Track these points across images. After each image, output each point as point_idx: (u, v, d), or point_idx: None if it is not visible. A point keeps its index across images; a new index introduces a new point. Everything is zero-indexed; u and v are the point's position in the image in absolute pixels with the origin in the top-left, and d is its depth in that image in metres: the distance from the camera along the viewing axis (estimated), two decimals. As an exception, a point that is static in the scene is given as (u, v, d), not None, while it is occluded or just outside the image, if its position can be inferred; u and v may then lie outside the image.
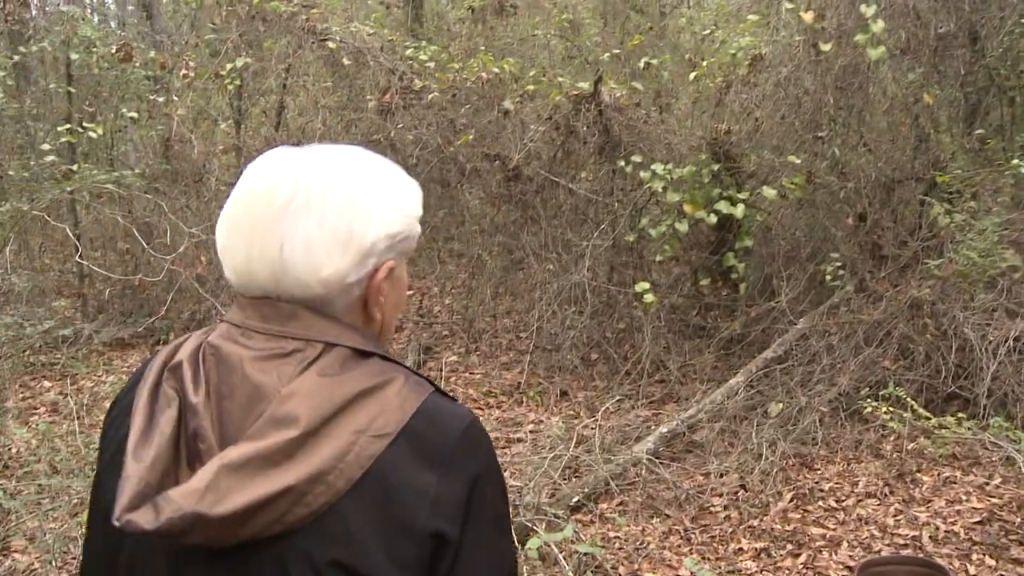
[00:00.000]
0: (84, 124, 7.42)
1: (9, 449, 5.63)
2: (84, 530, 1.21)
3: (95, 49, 7.90)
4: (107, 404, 6.09)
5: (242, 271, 1.09)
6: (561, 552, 3.98)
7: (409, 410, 1.04)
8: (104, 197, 7.85)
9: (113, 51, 7.25)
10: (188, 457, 1.02)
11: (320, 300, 1.10)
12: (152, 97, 7.46)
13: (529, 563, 3.98)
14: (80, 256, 7.34)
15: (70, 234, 6.41)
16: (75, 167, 7.43)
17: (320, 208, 1.07)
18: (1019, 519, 4.35)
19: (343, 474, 0.98)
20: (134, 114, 7.40)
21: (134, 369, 7.19)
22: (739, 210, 5.55)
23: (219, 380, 1.05)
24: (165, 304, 8.24)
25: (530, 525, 4.16)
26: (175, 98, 7.19)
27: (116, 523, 0.97)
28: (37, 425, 5.76)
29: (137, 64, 7.28)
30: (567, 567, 3.91)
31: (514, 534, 1.16)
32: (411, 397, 1.05)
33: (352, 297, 1.11)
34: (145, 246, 7.20)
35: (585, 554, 3.98)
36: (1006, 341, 5.23)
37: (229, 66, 6.80)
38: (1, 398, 6.17)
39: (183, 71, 7.05)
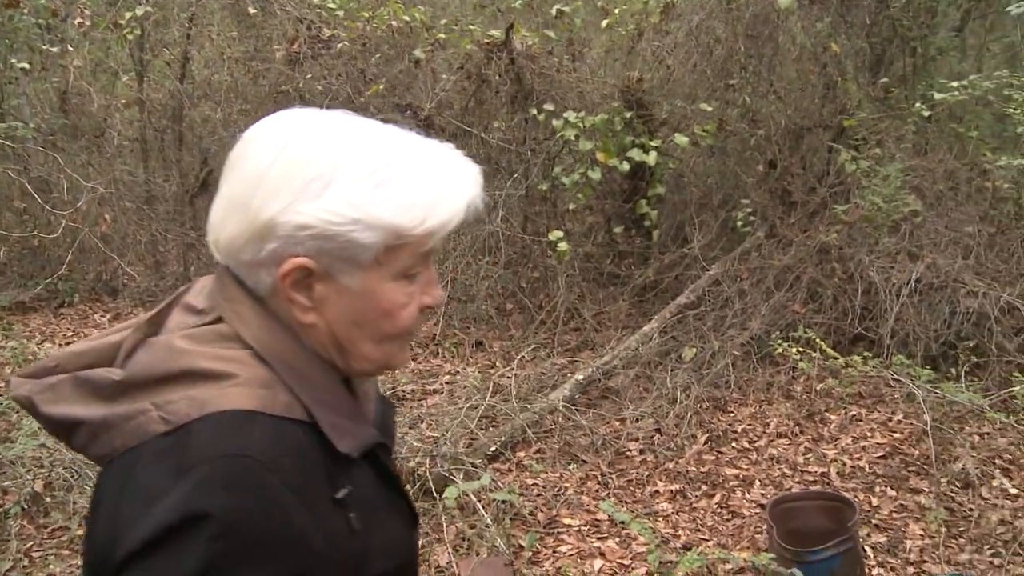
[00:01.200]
0: (-28, 75, 7.07)
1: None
2: None
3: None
4: (8, 371, 5.87)
5: (213, 238, 1.05)
6: (479, 501, 3.98)
7: (204, 411, 0.94)
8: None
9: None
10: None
11: (235, 269, 1.02)
12: (45, 47, 7.10)
13: (447, 512, 3.99)
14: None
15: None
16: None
17: (240, 170, 0.99)
18: (917, 452, 4.53)
19: (121, 435, 0.95)
20: (25, 65, 7.04)
21: (36, 333, 6.99)
22: (651, 157, 5.57)
23: (166, 316, 1.06)
24: (71, 265, 7.98)
25: (448, 475, 4.15)
26: (70, 48, 6.86)
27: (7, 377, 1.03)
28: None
29: (25, 11, 6.90)
30: (485, 516, 3.92)
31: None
32: (222, 401, 0.94)
33: (263, 282, 1.01)
34: (44, 205, 6.92)
35: (503, 502, 3.99)
36: (908, 283, 5.39)
37: (128, 15, 6.50)
38: None
39: (78, 19, 6.72)
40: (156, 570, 0.87)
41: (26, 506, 4.32)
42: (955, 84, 5.55)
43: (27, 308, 7.52)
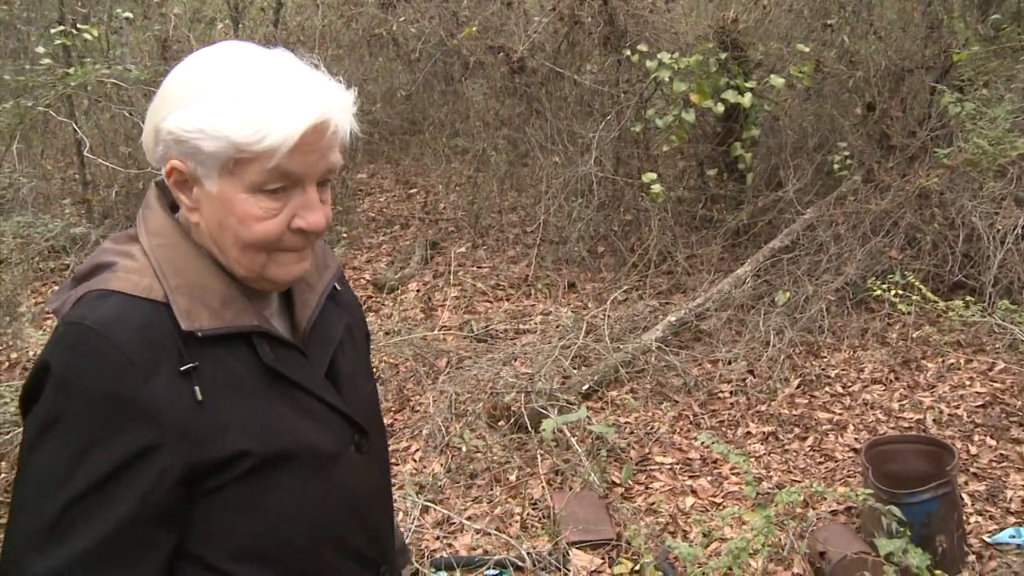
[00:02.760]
0: (78, 26, 7.27)
1: (27, 352, 5.69)
2: None
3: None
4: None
5: None
6: (573, 436, 4.06)
7: (84, 290, 1.13)
8: (103, 100, 7.77)
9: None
10: None
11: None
12: (147, -4, 7.29)
13: (544, 446, 4.07)
14: (85, 157, 7.26)
15: (78, 131, 6.30)
16: (71, 70, 7.31)
17: (162, 87, 1.15)
18: (1020, 402, 4.43)
19: (58, 319, 1.15)
20: (129, 14, 7.23)
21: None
22: (747, 99, 5.47)
23: None
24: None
25: (542, 411, 4.23)
26: (171, -6, 7.04)
27: None
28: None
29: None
30: (579, 450, 4.00)
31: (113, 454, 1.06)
32: (96, 284, 1.13)
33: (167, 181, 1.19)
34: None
35: (598, 437, 4.06)
36: (1014, 229, 5.22)
37: (226, -41, 6.63)
38: (15, 303, 6.20)
39: (178, -33, 6.87)
40: (26, 418, 1.10)
41: None
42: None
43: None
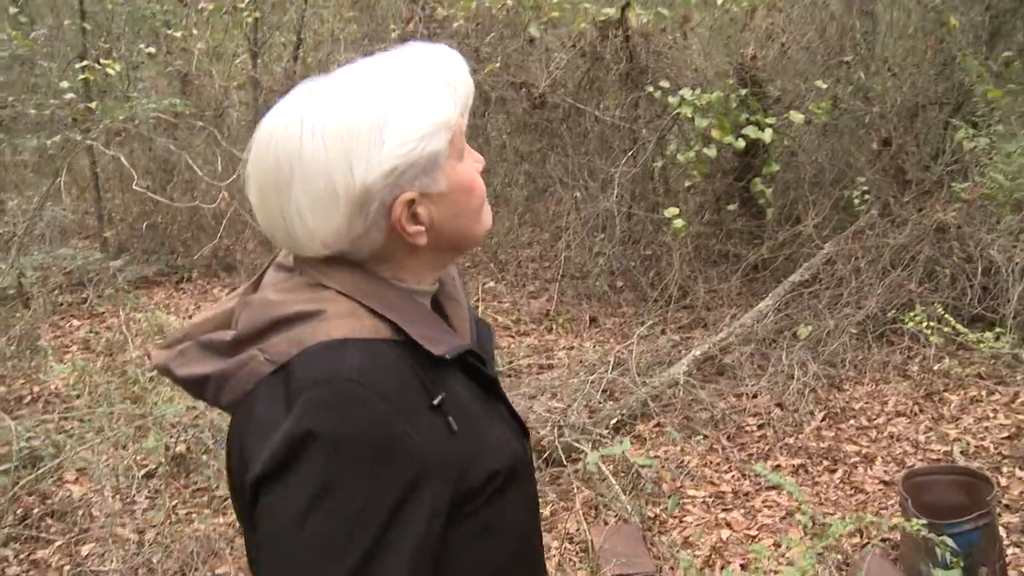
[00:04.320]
0: (100, 60, 7.37)
1: (48, 385, 5.73)
2: None
3: (107, -17, 7.82)
4: (139, 340, 6.18)
5: (268, 234, 1.15)
6: (609, 469, 4.09)
7: (302, 346, 1.05)
8: (123, 135, 7.85)
9: (129, -16, 7.17)
10: None
11: (340, 254, 1.12)
12: (169, 32, 7.39)
13: (580, 478, 4.11)
14: (118, 190, 7.32)
15: (125, 163, 6.35)
16: (93, 105, 7.41)
17: (299, 169, 1.05)
18: (1046, 434, 4.48)
19: (240, 382, 1.08)
20: (151, 49, 7.34)
21: (160, 306, 7.31)
22: (767, 135, 5.56)
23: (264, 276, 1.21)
24: (186, 242, 8.32)
25: (576, 443, 4.26)
26: (194, 32, 7.14)
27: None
28: (75, 362, 5.84)
29: (153, -2, 7.22)
30: (615, 484, 4.03)
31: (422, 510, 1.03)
32: (315, 335, 1.06)
33: (375, 242, 1.11)
34: (196, 173, 7.20)
35: (635, 470, 4.09)
36: (1032, 262, 5.29)
37: (247, -1, 6.75)
38: (35, 336, 6.26)
39: (200, 4, 6.98)
40: (282, 490, 1.00)
41: (170, 466, 4.59)
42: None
43: (151, 283, 7.87)
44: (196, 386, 1.13)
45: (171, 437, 4.66)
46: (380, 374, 1.05)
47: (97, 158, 8.00)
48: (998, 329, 4.70)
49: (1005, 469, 4.25)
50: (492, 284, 6.95)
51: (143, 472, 4.52)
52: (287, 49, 7.76)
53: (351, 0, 7.11)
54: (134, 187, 6.07)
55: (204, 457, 4.59)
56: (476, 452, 1.12)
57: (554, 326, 6.21)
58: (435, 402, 1.08)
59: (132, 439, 4.65)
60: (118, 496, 4.41)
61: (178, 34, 7.33)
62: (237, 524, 4.11)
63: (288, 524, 0.99)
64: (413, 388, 1.07)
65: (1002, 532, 3.70)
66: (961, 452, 4.42)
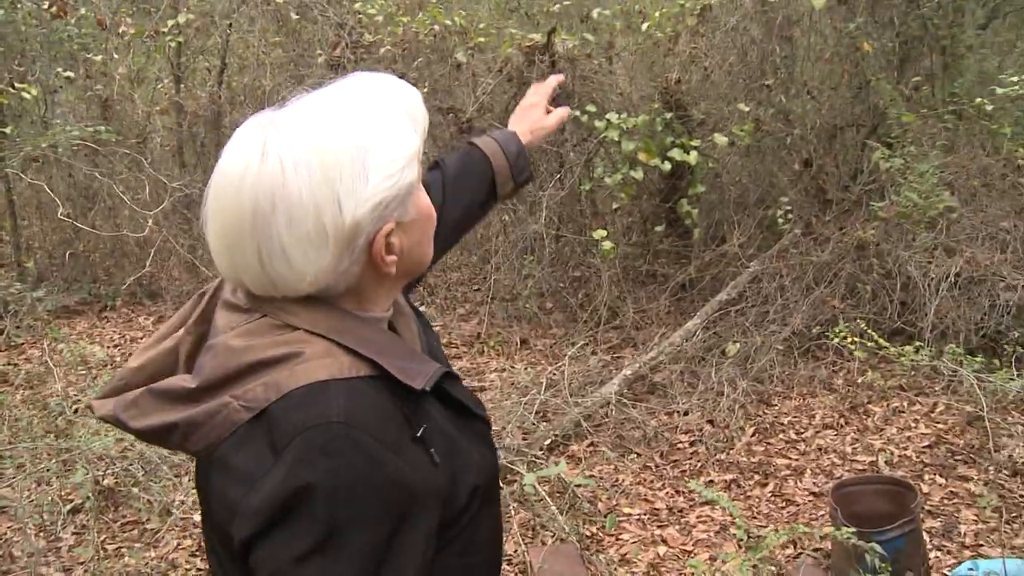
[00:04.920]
0: (15, 84, 7.18)
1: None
2: None
3: (20, 5, 7.62)
4: (62, 372, 5.99)
5: (233, 279, 1.11)
6: (544, 490, 4.10)
7: (281, 391, 1.02)
8: (40, 161, 7.65)
9: (45, 6, 7.00)
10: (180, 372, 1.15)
11: (320, 291, 1.10)
12: (89, 56, 7.25)
13: (515, 500, 4.10)
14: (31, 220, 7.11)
15: (48, 191, 6.18)
16: (8, 130, 7.22)
17: (283, 208, 1.03)
18: (963, 441, 4.63)
19: (212, 431, 1.05)
20: (70, 74, 7.18)
21: (83, 336, 7.12)
22: (692, 157, 5.67)
23: (210, 314, 1.17)
24: (109, 270, 8.14)
25: (511, 466, 4.27)
26: (115, 56, 7.01)
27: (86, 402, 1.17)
28: (-9, 396, 5.65)
29: (72, 21, 7.05)
30: (551, 505, 4.04)
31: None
32: (295, 379, 1.03)
33: (353, 276, 1.10)
34: (126, 203, 7.05)
35: (571, 490, 4.10)
36: (947, 277, 5.48)
37: (171, 23, 6.65)
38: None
39: (121, 28, 6.86)
40: (279, 545, 0.99)
41: (98, 500, 4.46)
42: (1015, 79, 5.63)
43: (72, 312, 7.66)
44: (156, 436, 1.09)
45: (99, 470, 4.53)
46: (366, 413, 1.04)
47: (13, 184, 7.79)
48: (917, 342, 4.86)
49: (927, 476, 4.39)
50: (422, 308, 6.93)
51: (69, 508, 4.38)
52: (211, 73, 7.67)
53: (277, 25, 7.07)
54: (59, 216, 5.89)
55: (134, 490, 4.47)
56: (458, 474, 1.12)
57: (485, 349, 6.22)
58: (418, 434, 1.08)
59: (57, 474, 4.51)
60: (42, 534, 4.27)
61: (98, 58, 7.18)
62: (170, 557, 4.02)
63: (292, 572, 0.99)
64: (397, 422, 1.07)
65: (926, 537, 3.82)
66: (886, 462, 4.55)
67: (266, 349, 1.06)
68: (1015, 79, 5.53)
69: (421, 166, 1.15)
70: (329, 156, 1.03)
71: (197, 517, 4.19)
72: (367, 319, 1.14)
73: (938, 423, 4.88)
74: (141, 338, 7.15)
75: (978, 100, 5.76)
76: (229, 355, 1.06)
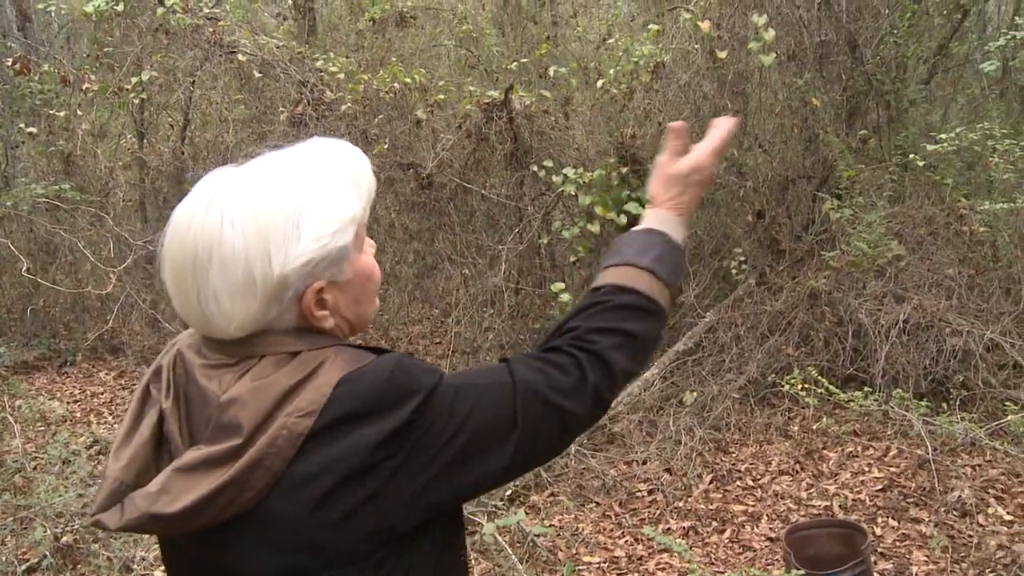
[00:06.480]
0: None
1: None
2: None
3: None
4: (20, 428, 5.95)
5: (182, 315, 1.18)
6: (503, 538, 4.14)
7: (332, 383, 1.10)
8: (0, 217, 7.65)
9: (9, 63, 7.06)
10: (168, 458, 1.15)
11: (251, 335, 1.15)
12: (52, 112, 7.29)
13: (481, 547, 4.13)
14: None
15: (12, 248, 6.15)
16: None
17: (218, 258, 1.11)
18: (914, 484, 4.74)
19: (278, 459, 1.08)
20: (32, 129, 7.22)
21: (42, 392, 7.07)
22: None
23: (186, 385, 1.18)
24: (69, 324, 8.10)
25: (471, 516, 4.30)
26: (78, 112, 7.07)
27: (91, 520, 1.13)
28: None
29: (36, 77, 7.10)
30: (512, 555, 4.07)
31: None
32: (335, 372, 1.11)
33: (287, 322, 1.16)
34: (89, 259, 7.05)
35: (531, 539, 4.14)
36: (896, 324, 5.64)
37: (135, 80, 6.72)
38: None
39: (85, 84, 6.92)
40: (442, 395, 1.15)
41: (55, 558, 4.42)
42: (944, 136, 5.85)
43: (32, 368, 7.61)
44: (199, 510, 1.08)
45: (58, 527, 4.49)
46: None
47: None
48: (867, 388, 4.98)
49: (880, 519, 4.48)
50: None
51: (24, 567, 4.34)
52: (174, 129, 7.74)
53: (239, 82, 7.17)
54: (23, 273, 5.89)
55: (95, 546, 4.44)
56: None
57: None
58: None
59: (14, 532, 4.46)
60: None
61: (61, 114, 7.23)
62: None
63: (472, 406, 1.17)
64: None
65: (879, 580, 3.91)
66: (840, 506, 4.64)
67: (292, 375, 1.12)
68: (945, 136, 5.73)
69: (364, 229, 1.22)
70: (264, 215, 1.11)
71: (158, 574, 4.17)
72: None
73: (891, 467, 4.99)
74: (102, 393, 7.12)
75: (911, 156, 5.96)
76: (260, 395, 1.10)
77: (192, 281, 1.12)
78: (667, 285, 1.38)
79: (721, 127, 1.56)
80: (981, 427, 4.86)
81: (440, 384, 1.14)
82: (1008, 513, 4.39)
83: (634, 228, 1.48)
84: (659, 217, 1.48)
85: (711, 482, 5.01)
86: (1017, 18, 6.29)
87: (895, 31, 6.98)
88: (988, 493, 4.58)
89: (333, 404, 1.09)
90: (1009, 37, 5.49)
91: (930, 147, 5.82)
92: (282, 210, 1.12)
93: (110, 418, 6.50)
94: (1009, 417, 4.75)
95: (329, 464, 1.08)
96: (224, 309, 1.12)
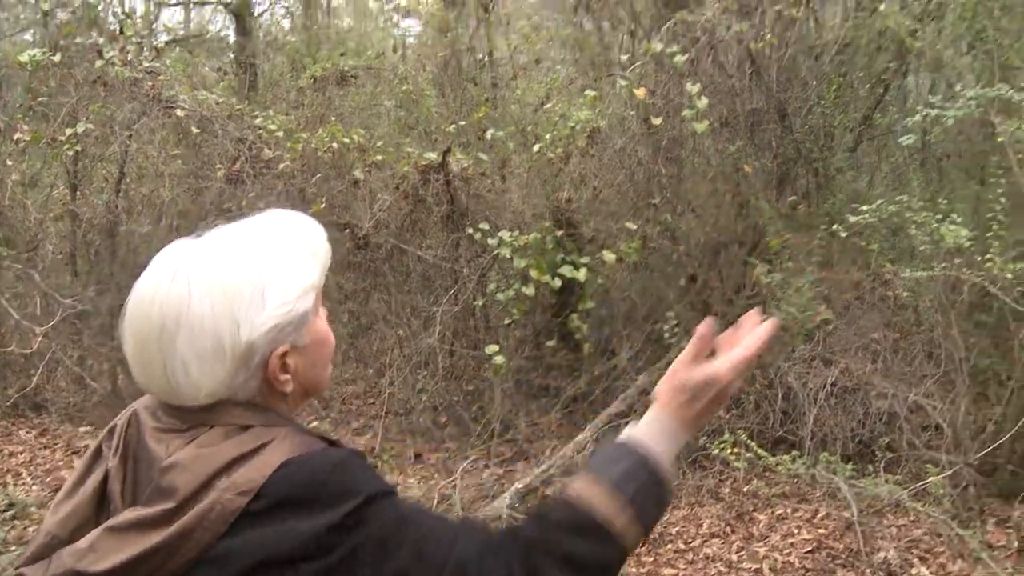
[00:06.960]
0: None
1: None
2: None
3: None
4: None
5: (143, 384, 1.21)
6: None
7: (275, 464, 1.11)
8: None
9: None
10: (107, 517, 1.16)
11: (217, 403, 1.18)
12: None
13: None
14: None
15: None
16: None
17: (186, 328, 1.14)
18: (842, 545, 4.80)
19: (207, 532, 1.08)
20: (-41, 181, 7.08)
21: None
22: (582, 274, 5.88)
23: (136, 446, 1.20)
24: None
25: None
26: (8, 162, 6.95)
27: (15, 573, 1.13)
28: None
29: (-33, 128, 7.00)
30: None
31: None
32: (281, 453, 1.12)
33: (250, 390, 1.20)
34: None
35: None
36: (824, 387, 5.75)
37: (69, 131, 6.65)
38: None
39: (17, 134, 6.82)
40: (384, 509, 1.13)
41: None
42: (865, 208, 6.02)
43: (-53, 426, 7.34)
44: (121, 573, 1.07)
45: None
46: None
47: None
48: (795, 452, 5.05)
49: (809, 582, 4.52)
50: (316, 423, 6.90)
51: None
52: (109, 182, 7.64)
53: (177, 136, 7.14)
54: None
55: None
56: None
57: (379, 463, 6.20)
58: None
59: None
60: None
61: (-9, 166, 7.11)
62: None
63: (409, 539, 1.13)
64: None
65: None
66: (770, 568, 4.67)
67: (238, 447, 1.13)
68: (866, 208, 5.91)
69: (320, 295, 1.27)
70: (231, 287, 1.16)
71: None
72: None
73: (819, 528, 5.04)
74: (21, 452, 6.89)
75: (835, 226, 6.13)
76: (201, 463, 1.11)
77: (158, 350, 1.15)
78: (638, 519, 1.24)
79: (758, 334, 1.37)
80: (904, 488, 4.94)
81: (384, 498, 1.14)
82: (931, 573, 4.46)
83: (621, 439, 1.36)
84: (657, 422, 1.37)
85: (642, 545, 5.00)
86: (931, 96, 6.55)
87: (822, 101, 7.20)
88: (912, 553, 4.65)
89: (270, 486, 1.10)
90: (924, 114, 5.71)
91: (852, 218, 5.98)
92: (247, 279, 1.17)
93: (28, 479, 6.29)
94: (931, 479, 4.84)
95: (257, 545, 1.08)
96: (192, 378, 1.15)
